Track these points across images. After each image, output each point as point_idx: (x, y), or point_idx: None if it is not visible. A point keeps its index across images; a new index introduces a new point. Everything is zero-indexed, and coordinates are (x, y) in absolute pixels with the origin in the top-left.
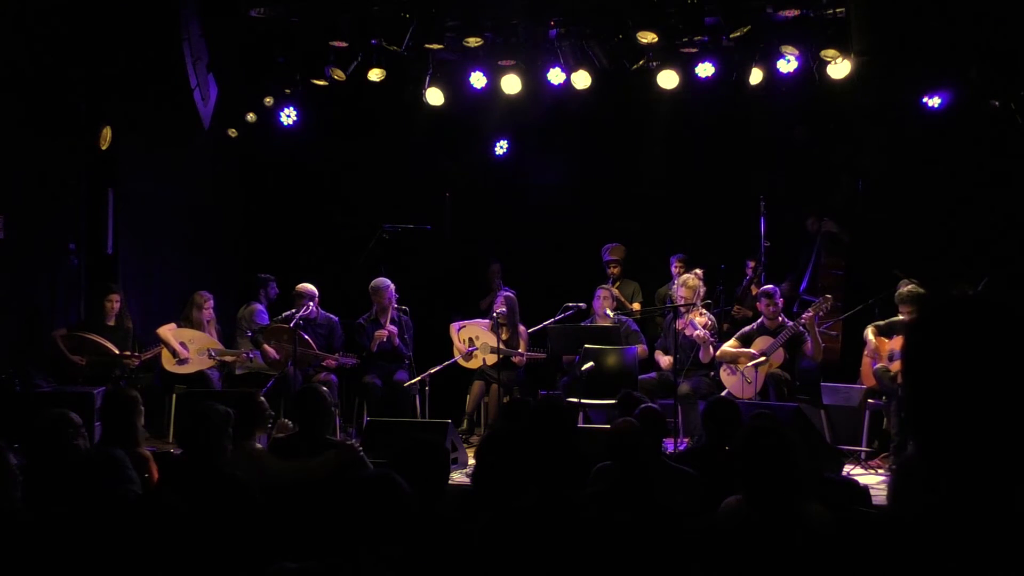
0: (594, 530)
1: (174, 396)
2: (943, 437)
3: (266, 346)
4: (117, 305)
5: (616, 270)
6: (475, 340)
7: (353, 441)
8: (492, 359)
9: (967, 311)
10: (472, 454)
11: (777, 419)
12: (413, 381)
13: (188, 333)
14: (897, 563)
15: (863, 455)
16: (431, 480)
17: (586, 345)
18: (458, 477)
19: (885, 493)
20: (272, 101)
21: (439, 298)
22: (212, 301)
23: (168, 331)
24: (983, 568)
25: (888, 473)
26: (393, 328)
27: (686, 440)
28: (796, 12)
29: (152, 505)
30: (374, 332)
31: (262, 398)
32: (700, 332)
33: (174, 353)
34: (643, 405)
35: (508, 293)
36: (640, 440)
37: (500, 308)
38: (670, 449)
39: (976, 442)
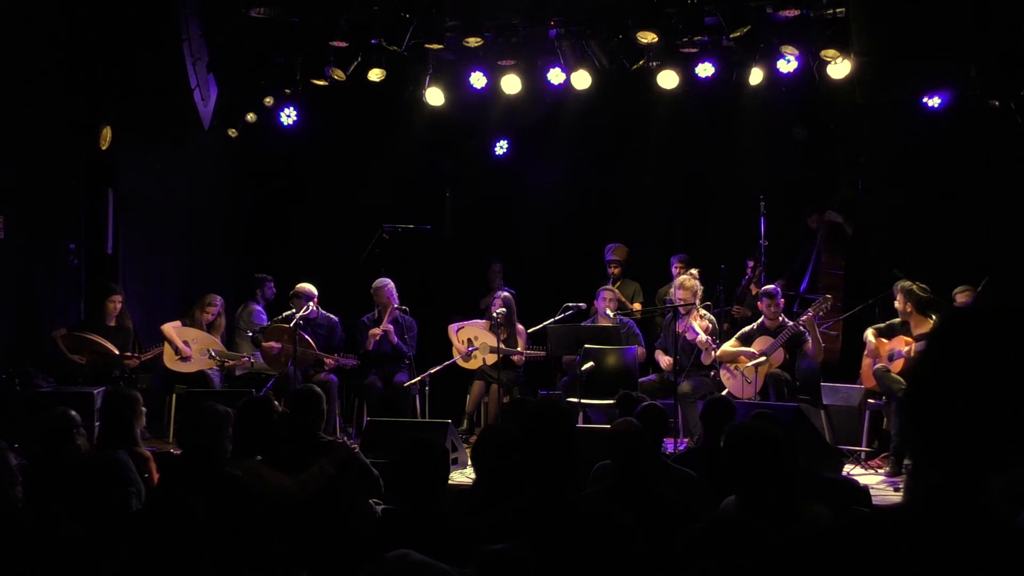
0: (593, 530)
1: (174, 396)
2: (946, 436)
3: (266, 345)
4: (119, 305)
5: (617, 270)
6: (474, 340)
7: (349, 440)
8: (492, 359)
9: (989, 320)
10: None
11: (770, 418)
12: (413, 381)
13: (191, 332)
14: (884, 558)
15: (863, 455)
16: (431, 480)
17: (586, 345)
18: (458, 477)
19: (886, 494)
20: (272, 101)
21: (439, 298)
22: (219, 306)
23: (172, 328)
24: (960, 558)
25: (888, 474)
26: (389, 327)
27: (686, 440)
28: (796, 12)
29: (153, 505)
30: (370, 331)
31: (276, 403)
32: (703, 338)
33: (177, 350)
34: (645, 403)
35: (505, 293)
36: (640, 440)
37: (499, 308)
38: (670, 449)
39: (974, 440)
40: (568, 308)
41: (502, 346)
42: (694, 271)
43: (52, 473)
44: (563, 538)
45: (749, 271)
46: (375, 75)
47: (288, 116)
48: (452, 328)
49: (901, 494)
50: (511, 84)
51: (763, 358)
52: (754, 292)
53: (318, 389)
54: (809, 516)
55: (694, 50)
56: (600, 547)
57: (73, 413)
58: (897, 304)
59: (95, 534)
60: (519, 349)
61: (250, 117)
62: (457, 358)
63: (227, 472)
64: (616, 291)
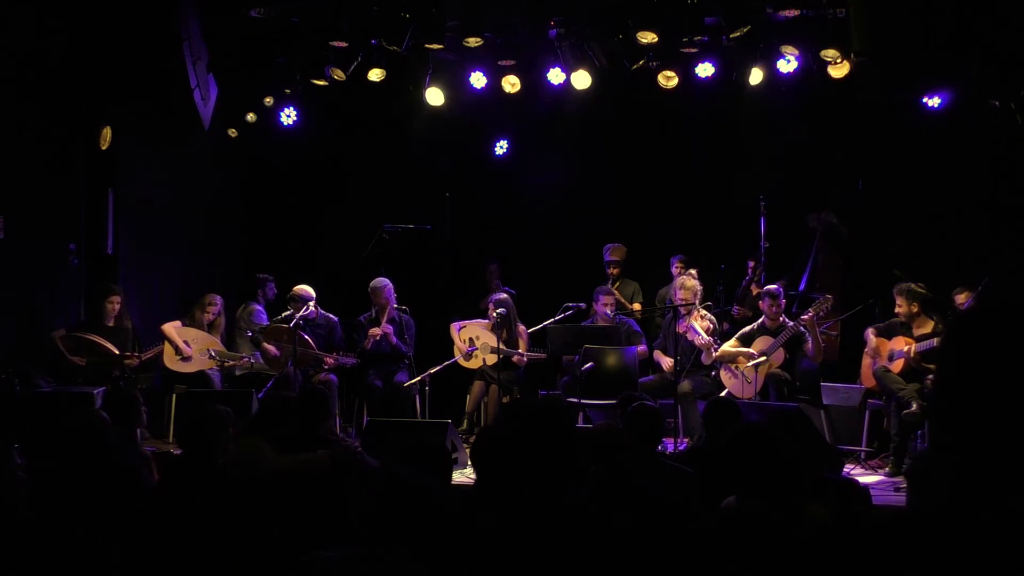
0: (589, 530)
1: (174, 396)
2: (970, 436)
3: (266, 345)
4: (118, 306)
5: (616, 270)
6: (475, 340)
7: (351, 441)
8: (492, 359)
9: (1001, 317)
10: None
11: (770, 418)
12: (413, 381)
13: (191, 332)
14: (911, 559)
15: (863, 455)
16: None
17: (586, 345)
18: (458, 477)
19: (886, 494)
20: (272, 101)
21: (439, 298)
22: (219, 306)
23: (172, 328)
24: (994, 560)
25: (888, 474)
26: (388, 327)
27: (686, 440)
28: (796, 12)
29: (153, 505)
30: (370, 330)
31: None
32: (704, 339)
33: (177, 350)
34: (635, 403)
35: (502, 295)
36: (620, 440)
37: (498, 309)
38: (670, 449)
39: (997, 441)
40: (568, 308)
41: (502, 347)
42: (693, 271)
43: (70, 478)
44: (560, 539)
45: (749, 271)
46: (375, 75)
47: (288, 116)
48: (455, 327)
49: (903, 494)
50: (511, 84)
51: (763, 358)
52: (755, 292)
53: (324, 388)
54: (809, 516)
55: (694, 50)
56: (597, 547)
57: (104, 415)
58: (900, 307)
59: (98, 537)
60: (520, 350)
61: (250, 117)
62: (458, 357)
63: (227, 472)
64: (616, 292)
